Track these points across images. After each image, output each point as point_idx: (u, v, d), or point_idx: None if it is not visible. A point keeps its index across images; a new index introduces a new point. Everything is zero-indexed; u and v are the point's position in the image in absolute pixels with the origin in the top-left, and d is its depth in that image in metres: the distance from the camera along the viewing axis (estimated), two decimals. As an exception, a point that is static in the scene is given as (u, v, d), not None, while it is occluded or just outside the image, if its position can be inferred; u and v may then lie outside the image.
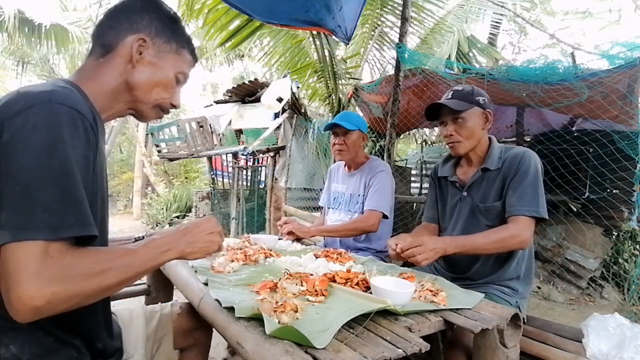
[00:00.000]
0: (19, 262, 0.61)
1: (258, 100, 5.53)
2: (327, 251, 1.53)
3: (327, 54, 4.70)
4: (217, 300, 0.99)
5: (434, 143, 7.36)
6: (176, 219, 8.28)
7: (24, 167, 0.64)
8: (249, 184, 5.90)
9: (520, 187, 1.36)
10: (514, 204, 1.36)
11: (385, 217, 1.95)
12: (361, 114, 5.49)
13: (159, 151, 6.99)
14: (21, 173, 0.64)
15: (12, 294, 0.61)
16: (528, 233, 1.33)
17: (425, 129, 6.64)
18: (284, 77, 5.04)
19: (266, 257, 1.45)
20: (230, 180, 5.72)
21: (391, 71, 4.82)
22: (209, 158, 6.32)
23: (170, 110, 0.98)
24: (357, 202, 2.04)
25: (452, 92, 1.50)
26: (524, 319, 1.33)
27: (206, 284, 1.14)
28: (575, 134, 3.61)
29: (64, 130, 0.68)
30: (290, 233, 1.93)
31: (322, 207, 2.33)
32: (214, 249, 0.92)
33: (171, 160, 8.07)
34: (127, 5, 0.89)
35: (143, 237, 1.13)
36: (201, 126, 5.94)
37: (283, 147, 4.94)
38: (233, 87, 6.25)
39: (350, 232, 1.94)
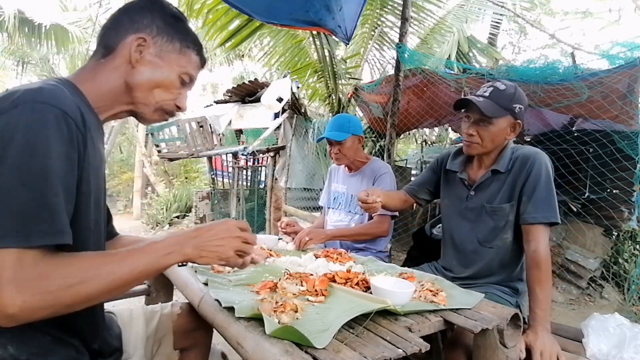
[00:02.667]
0: None
1: (258, 100, 5.53)
2: (327, 251, 1.53)
3: (327, 54, 4.70)
4: (217, 300, 0.99)
5: (434, 143, 7.37)
6: (176, 219, 8.27)
7: (2, 169, 0.63)
8: (249, 184, 5.89)
9: (535, 193, 1.32)
10: (530, 211, 1.32)
11: (394, 217, 1.98)
12: (361, 114, 5.49)
13: (159, 151, 6.99)
14: None
15: None
16: (546, 241, 1.30)
17: (425, 129, 6.64)
18: (284, 77, 5.04)
19: (266, 257, 1.45)
20: (230, 180, 5.71)
21: (391, 71, 4.82)
22: (209, 158, 6.32)
23: (176, 112, 0.94)
24: (358, 203, 2.04)
25: (491, 88, 1.37)
26: (524, 318, 1.33)
27: (206, 284, 1.14)
28: (575, 134, 3.61)
29: (46, 131, 0.66)
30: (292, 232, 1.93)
31: (322, 207, 2.34)
32: (228, 254, 0.83)
33: (171, 160, 8.07)
34: (130, 6, 0.88)
35: None
36: (201, 126, 5.94)
37: (283, 147, 4.94)
38: (233, 87, 6.26)
39: (364, 237, 1.94)
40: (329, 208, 2.22)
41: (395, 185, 2.06)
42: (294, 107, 5.10)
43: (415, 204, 1.75)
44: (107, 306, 0.98)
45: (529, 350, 1.15)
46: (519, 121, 1.37)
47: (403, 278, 1.19)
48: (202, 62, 0.95)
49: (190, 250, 0.79)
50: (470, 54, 5.43)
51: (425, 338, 0.89)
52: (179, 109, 0.92)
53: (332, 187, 2.22)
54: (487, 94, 1.36)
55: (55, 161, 0.66)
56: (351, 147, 2.01)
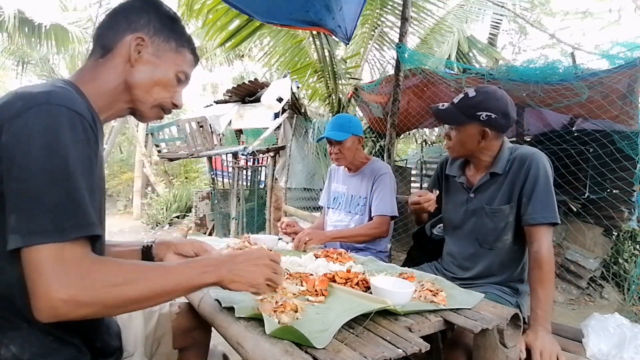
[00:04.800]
0: (36, 266, 0.63)
1: (258, 100, 5.53)
2: (327, 251, 1.52)
3: (327, 54, 4.71)
4: (217, 300, 0.99)
5: (434, 143, 7.35)
6: (176, 219, 8.28)
7: (26, 170, 0.65)
8: (249, 184, 5.89)
9: (533, 193, 1.32)
10: (530, 212, 1.32)
11: (393, 217, 1.97)
12: (361, 114, 5.49)
13: (159, 151, 6.98)
14: (24, 176, 0.64)
15: (33, 295, 0.63)
16: (549, 241, 1.30)
17: (425, 129, 6.63)
18: (284, 77, 5.04)
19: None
20: (230, 180, 5.70)
21: (391, 71, 4.82)
22: (209, 158, 6.31)
23: (172, 110, 0.97)
24: (358, 203, 2.04)
25: (462, 96, 1.41)
26: (524, 318, 1.33)
27: (206, 284, 1.13)
28: (575, 134, 3.60)
29: (64, 131, 0.68)
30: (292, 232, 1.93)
31: (322, 207, 2.33)
32: (258, 281, 0.84)
33: (171, 160, 8.07)
34: (126, 6, 0.90)
35: (151, 244, 1.12)
36: (201, 126, 5.94)
37: (283, 147, 4.93)
38: (233, 87, 6.25)
39: (364, 238, 1.94)
40: (328, 208, 2.22)
41: (395, 186, 2.05)
42: (294, 107, 5.10)
43: None
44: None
45: (529, 350, 1.15)
46: (486, 129, 1.36)
47: (403, 278, 1.19)
48: (196, 60, 0.98)
49: (225, 272, 0.81)
50: (470, 54, 5.43)
51: (425, 338, 0.88)
52: (175, 106, 0.95)
53: (332, 187, 2.22)
54: (456, 101, 1.41)
55: (76, 160, 0.68)
56: (351, 147, 2.01)
